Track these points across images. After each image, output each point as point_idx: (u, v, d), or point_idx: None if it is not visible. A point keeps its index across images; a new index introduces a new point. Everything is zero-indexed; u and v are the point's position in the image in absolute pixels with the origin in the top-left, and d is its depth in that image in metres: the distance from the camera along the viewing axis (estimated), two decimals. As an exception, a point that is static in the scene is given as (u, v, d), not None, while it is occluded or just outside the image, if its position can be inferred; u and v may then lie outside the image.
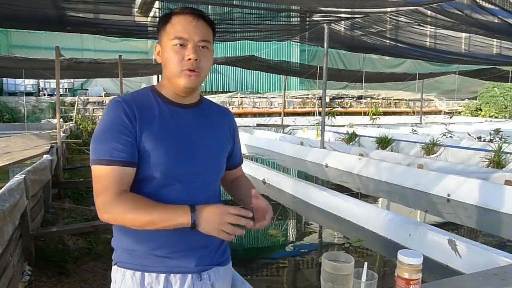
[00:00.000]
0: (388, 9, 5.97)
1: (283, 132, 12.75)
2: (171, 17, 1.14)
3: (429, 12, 5.80)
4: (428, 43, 7.74)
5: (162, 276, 1.13)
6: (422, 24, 6.58)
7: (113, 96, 15.77)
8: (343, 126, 13.65)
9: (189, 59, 1.11)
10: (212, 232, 1.03)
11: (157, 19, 6.11)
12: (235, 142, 1.37)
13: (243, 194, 1.32)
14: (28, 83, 15.98)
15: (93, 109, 15.35)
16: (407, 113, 22.07)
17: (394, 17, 6.32)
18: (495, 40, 7.56)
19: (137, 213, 1.05)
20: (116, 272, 1.17)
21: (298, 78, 20.34)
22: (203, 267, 1.18)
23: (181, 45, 1.12)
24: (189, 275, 1.15)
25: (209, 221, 1.03)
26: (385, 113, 19.75)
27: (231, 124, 1.34)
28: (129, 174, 1.09)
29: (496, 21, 5.63)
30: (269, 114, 19.03)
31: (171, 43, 1.12)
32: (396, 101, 22.76)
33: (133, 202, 1.07)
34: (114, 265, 1.19)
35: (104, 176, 1.08)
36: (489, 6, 5.07)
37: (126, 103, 1.11)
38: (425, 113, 20.51)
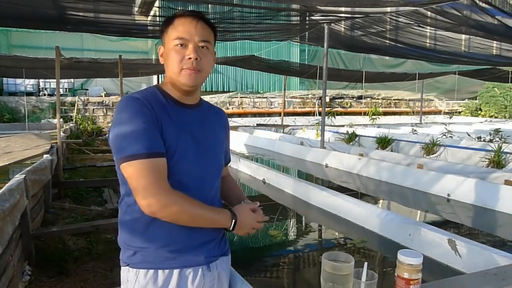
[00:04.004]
0: (388, 9, 5.97)
1: (283, 132, 12.75)
2: (174, 20, 1.19)
3: (429, 13, 5.80)
4: (428, 44, 7.74)
5: (176, 271, 1.16)
6: (422, 25, 6.58)
7: (114, 95, 15.80)
8: (343, 126, 13.65)
9: (189, 58, 1.15)
10: (246, 232, 1.22)
11: (157, 18, 6.12)
12: (228, 140, 1.42)
13: (233, 197, 1.41)
14: (28, 83, 15.96)
15: (93, 109, 15.34)
16: (407, 113, 22.06)
17: (394, 18, 6.32)
18: (494, 42, 7.57)
19: (196, 209, 1.12)
20: (128, 272, 1.18)
21: (298, 78, 20.34)
22: (211, 258, 1.24)
23: (182, 45, 1.16)
24: (200, 268, 1.20)
25: (244, 225, 1.20)
26: (385, 113, 19.75)
27: (225, 124, 1.40)
28: (165, 166, 1.11)
29: (495, 22, 5.63)
30: (269, 114, 19.02)
31: (172, 44, 1.16)
32: (396, 101, 22.76)
33: (188, 198, 1.11)
34: (126, 266, 1.19)
35: (147, 171, 1.06)
36: (489, 7, 5.07)
37: (145, 99, 1.12)
38: (425, 113, 20.51)
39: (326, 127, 8.70)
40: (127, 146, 1.07)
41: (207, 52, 1.20)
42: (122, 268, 1.21)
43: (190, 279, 1.17)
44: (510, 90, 21.78)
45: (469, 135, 9.90)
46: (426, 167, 6.14)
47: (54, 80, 7.53)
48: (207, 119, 1.28)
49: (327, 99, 17.22)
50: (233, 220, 1.17)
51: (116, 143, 1.09)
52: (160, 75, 13.82)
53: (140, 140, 1.07)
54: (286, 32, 7.81)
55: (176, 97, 1.21)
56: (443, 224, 4.29)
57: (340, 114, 18.13)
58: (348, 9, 6.30)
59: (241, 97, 19.07)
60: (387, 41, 7.77)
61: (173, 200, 1.08)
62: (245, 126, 14.65)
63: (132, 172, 1.07)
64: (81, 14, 5.44)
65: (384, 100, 22.31)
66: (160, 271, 1.15)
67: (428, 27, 6.80)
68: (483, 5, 4.99)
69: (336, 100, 20.70)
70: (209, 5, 6.10)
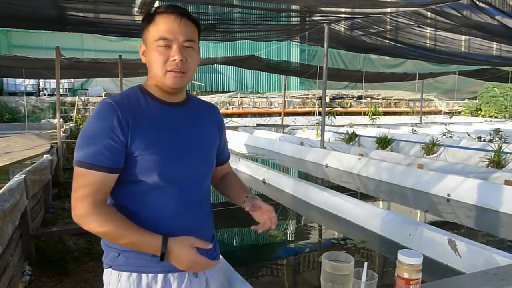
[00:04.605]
0: (388, 10, 5.98)
1: (283, 132, 12.75)
2: (155, 17, 1.12)
3: (428, 14, 5.80)
4: (428, 44, 7.74)
5: (160, 276, 1.12)
6: (422, 26, 6.58)
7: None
8: (343, 126, 13.66)
9: (174, 59, 1.10)
10: (181, 267, 1.10)
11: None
12: (223, 138, 1.36)
13: (235, 193, 1.38)
14: (28, 83, 15.96)
15: (93, 109, 15.35)
16: (407, 113, 22.07)
17: (394, 18, 6.32)
18: (494, 43, 7.57)
19: (112, 231, 1.06)
20: (111, 275, 1.14)
21: (298, 78, 20.35)
22: None
23: (165, 45, 1.10)
24: (186, 273, 1.15)
25: (181, 261, 1.09)
26: (385, 113, 19.76)
27: (219, 120, 1.34)
28: (109, 181, 1.08)
29: (495, 23, 5.63)
30: (269, 114, 19.03)
31: (155, 44, 1.11)
32: (396, 101, 22.77)
33: (110, 219, 1.06)
34: (108, 268, 1.15)
35: (84, 180, 1.06)
36: (488, 8, 5.07)
37: (119, 106, 1.08)
38: (425, 113, 20.51)
39: (326, 127, 8.70)
40: (79, 149, 1.07)
41: (192, 52, 1.14)
42: (105, 270, 1.17)
43: (175, 284, 1.13)
44: (510, 90, 21.78)
45: (469, 135, 9.90)
46: (426, 167, 6.14)
47: (54, 80, 7.53)
48: (196, 117, 1.23)
49: (327, 99, 17.22)
50: (162, 252, 1.06)
51: (76, 146, 1.09)
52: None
53: (91, 149, 1.05)
54: (286, 32, 7.81)
55: (160, 97, 1.17)
56: (443, 224, 4.29)
57: (340, 114, 18.14)
58: (348, 9, 6.30)
59: (241, 97, 19.07)
60: (387, 41, 7.77)
61: (92, 217, 1.05)
62: (245, 126, 14.66)
63: (74, 175, 1.07)
64: (81, 14, 5.44)
65: (384, 100, 22.32)
66: (143, 275, 1.11)
67: (428, 28, 6.80)
68: (483, 5, 4.99)
69: (336, 100, 20.71)
70: (209, 6, 6.09)
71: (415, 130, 11.81)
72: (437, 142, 8.08)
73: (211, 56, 18.22)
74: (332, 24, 7.11)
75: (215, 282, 1.26)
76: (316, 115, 17.90)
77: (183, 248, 1.08)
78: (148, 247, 1.07)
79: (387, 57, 17.56)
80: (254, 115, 18.83)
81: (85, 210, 1.05)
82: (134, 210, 1.11)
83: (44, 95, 16.02)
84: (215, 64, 17.78)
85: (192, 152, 1.17)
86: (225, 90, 20.35)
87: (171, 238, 1.08)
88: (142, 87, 1.18)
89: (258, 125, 15.75)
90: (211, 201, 1.32)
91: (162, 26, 1.10)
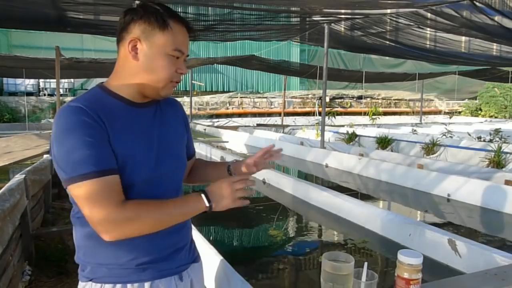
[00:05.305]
0: (388, 11, 5.98)
1: (283, 132, 12.75)
2: (169, 22, 1.05)
3: (428, 15, 5.80)
4: (428, 45, 7.75)
5: (146, 284, 1.08)
6: (422, 27, 6.58)
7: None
8: (343, 126, 13.66)
9: (182, 72, 1.09)
10: (228, 204, 1.03)
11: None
12: (189, 132, 1.31)
13: (212, 170, 1.34)
14: (28, 83, 15.98)
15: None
16: (407, 113, 22.09)
17: (394, 19, 6.33)
18: (494, 43, 7.57)
19: (154, 213, 1.00)
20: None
21: (298, 78, 20.38)
22: (182, 266, 1.17)
23: (177, 57, 1.07)
24: (172, 278, 1.13)
25: (223, 196, 1.03)
26: (385, 113, 19.76)
27: (183, 115, 1.29)
28: (119, 182, 1.00)
29: (495, 24, 5.62)
30: (269, 114, 19.05)
31: (169, 52, 1.05)
32: (396, 101, 22.78)
33: (143, 206, 1.00)
34: (88, 281, 1.07)
35: (96, 191, 0.95)
36: (488, 9, 5.07)
37: (88, 108, 0.99)
38: (425, 113, 20.53)
39: (326, 127, 8.70)
40: (73, 166, 0.95)
41: None
42: (81, 283, 1.08)
43: None
44: (510, 90, 21.79)
45: (469, 135, 9.90)
46: (426, 167, 6.14)
47: (54, 80, 7.54)
48: (163, 115, 1.17)
49: (327, 99, 17.23)
50: (204, 196, 1.02)
51: (61, 163, 0.96)
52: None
53: (87, 158, 0.95)
54: (286, 32, 7.82)
55: (130, 97, 1.08)
56: (443, 224, 4.29)
57: (340, 114, 18.15)
58: (348, 9, 6.30)
59: (241, 97, 19.08)
60: (387, 42, 7.78)
61: (125, 215, 0.97)
62: (245, 126, 14.67)
63: (78, 195, 0.96)
64: (81, 16, 5.44)
65: (384, 100, 22.33)
66: (128, 285, 1.06)
67: (428, 29, 6.80)
68: (482, 6, 4.99)
69: (336, 100, 20.73)
70: (209, 7, 6.08)
71: (415, 130, 11.81)
72: (437, 142, 8.08)
73: (211, 56, 18.23)
74: (332, 24, 7.12)
75: (198, 283, 1.24)
76: (316, 115, 17.90)
77: (218, 186, 1.04)
78: (196, 205, 1.03)
79: (387, 57, 17.56)
80: (254, 115, 18.85)
81: (111, 212, 0.96)
82: None
83: (44, 95, 16.04)
84: (215, 64, 17.78)
85: (169, 155, 1.14)
86: (225, 90, 20.37)
87: (206, 188, 1.05)
88: (104, 88, 1.10)
89: (258, 125, 15.76)
90: None
91: (180, 38, 1.07)
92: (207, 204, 1.02)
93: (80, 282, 1.09)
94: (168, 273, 1.12)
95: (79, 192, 0.95)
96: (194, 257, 1.24)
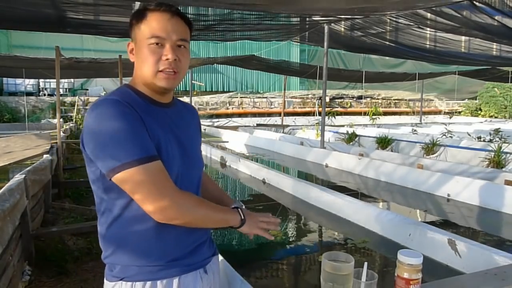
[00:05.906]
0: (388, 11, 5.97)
1: (283, 132, 12.75)
2: (146, 14, 1.07)
3: (428, 15, 5.80)
4: (428, 45, 7.74)
5: (175, 280, 1.10)
6: (421, 27, 6.58)
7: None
8: (343, 126, 13.67)
9: (167, 59, 1.06)
10: (253, 230, 1.19)
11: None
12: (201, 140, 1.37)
13: (216, 199, 1.33)
14: (28, 83, 15.98)
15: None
16: (407, 113, 22.10)
17: (394, 19, 6.32)
18: (494, 43, 7.56)
19: (206, 209, 1.10)
20: (121, 287, 1.09)
21: (298, 78, 20.38)
22: (206, 260, 1.21)
23: (158, 43, 1.05)
24: (198, 272, 1.16)
25: (253, 221, 1.19)
26: (385, 113, 19.77)
27: (199, 123, 1.33)
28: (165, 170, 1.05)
29: (495, 24, 5.62)
30: (269, 114, 19.05)
31: (147, 42, 1.06)
32: (396, 101, 22.78)
33: (197, 198, 1.10)
34: (118, 280, 1.08)
35: (153, 174, 0.98)
36: (488, 8, 5.07)
37: (125, 101, 1.02)
38: (425, 113, 20.53)
39: (326, 127, 8.70)
40: (122, 153, 0.97)
41: (185, 51, 1.10)
42: (110, 283, 1.10)
43: (191, 285, 1.13)
44: (510, 90, 21.80)
45: (469, 135, 9.90)
46: (426, 167, 6.14)
47: (54, 80, 7.53)
48: (183, 118, 1.21)
49: (327, 99, 17.23)
50: (242, 220, 1.16)
51: (106, 151, 0.98)
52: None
53: (135, 144, 0.98)
54: (286, 32, 7.81)
55: (152, 97, 1.12)
56: (443, 224, 4.29)
57: (340, 114, 18.17)
58: (348, 11, 6.29)
59: (241, 97, 19.09)
60: (387, 42, 7.78)
61: (187, 200, 1.04)
62: (245, 126, 14.67)
63: (136, 179, 0.97)
64: (81, 16, 5.43)
65: (384, 100, 22.33)
66: (158, 282, 1.08)
67: (428, 29, 6.80)
68: (482, 6, 4.99)
69: (336, 100, 20.73)
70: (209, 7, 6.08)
71: (415, 130, 11.81)
72: (437, 142, 8.08)
73: (211, 56, 18.23)
74: (332, 24, 7.11)
75: (218, 276, 1.30)
76: (316, 115, 17.91)
77: (249, 213, 1.20)
78: (233, 219, 1.16)
79: (387, 57, 17.57)
80: (254, 115, 18.85)
81: (175, 195, 1.02)
82: (143, 212, 1.05)
83: (44, 95, 16.04)
84: (215, 64, 17.79)
85: (191, 154, 1.17)
86: (225, 90, 20.37)
87: (242, 209, 1.20)
88: (131, 87, 1.12)
89: (258, 125, 15.77)
90: None
91: (154, 24, 1.06)
92: (242, 219, 1.16)
93: (108, 282, 1.11)
94: (195, 267, 1.16)
95: (137, 176, 0.97)
96: (213, 250, 1.28)
